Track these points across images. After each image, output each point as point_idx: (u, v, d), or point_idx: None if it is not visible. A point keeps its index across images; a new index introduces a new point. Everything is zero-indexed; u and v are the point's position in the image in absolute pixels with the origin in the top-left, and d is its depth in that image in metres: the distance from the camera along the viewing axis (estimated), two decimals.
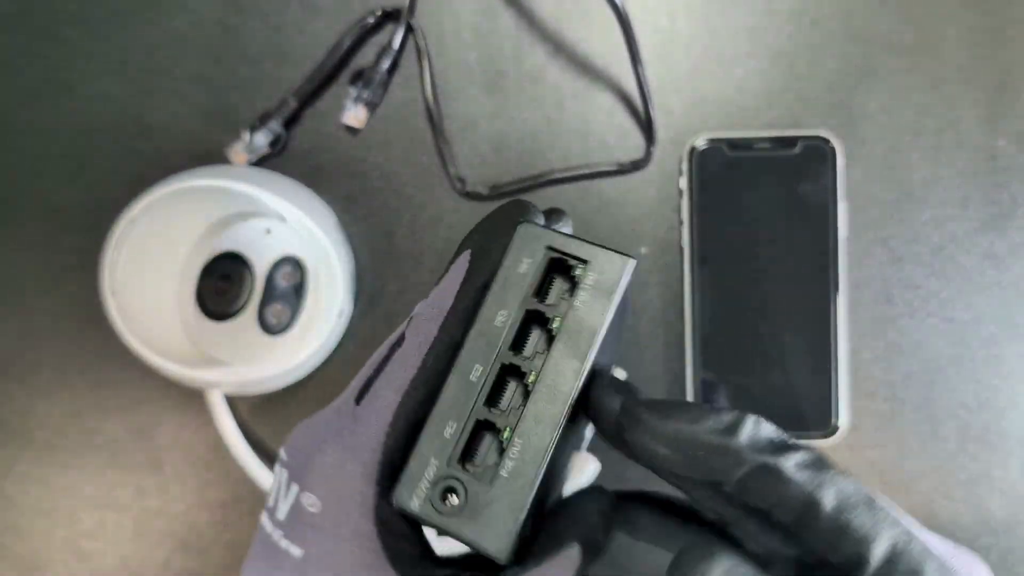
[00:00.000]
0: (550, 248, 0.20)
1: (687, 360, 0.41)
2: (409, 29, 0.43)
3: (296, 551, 0.20)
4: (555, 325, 0.20)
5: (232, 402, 0.43)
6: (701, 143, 0.41)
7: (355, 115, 0.42)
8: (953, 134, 0.42)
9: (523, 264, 0.20)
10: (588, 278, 0.20)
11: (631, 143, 0.43)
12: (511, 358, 0.20)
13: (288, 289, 0.42)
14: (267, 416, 0.43)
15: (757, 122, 0.42)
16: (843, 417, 0.41)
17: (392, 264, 0.43)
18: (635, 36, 0.40)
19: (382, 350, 0.22)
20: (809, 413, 0.41)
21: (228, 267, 0.42)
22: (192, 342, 0.41)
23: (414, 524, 0.21)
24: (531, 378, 0.20)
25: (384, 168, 0.43)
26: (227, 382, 0.40)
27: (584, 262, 0.20)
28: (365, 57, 0.43)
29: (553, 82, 0.43)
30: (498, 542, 0.19)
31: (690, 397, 0.41)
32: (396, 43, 0.42)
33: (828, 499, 0.18)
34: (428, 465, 0.19)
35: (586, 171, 0.43)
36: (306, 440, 0.22)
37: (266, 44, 0.43)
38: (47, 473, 0.44)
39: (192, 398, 0.43)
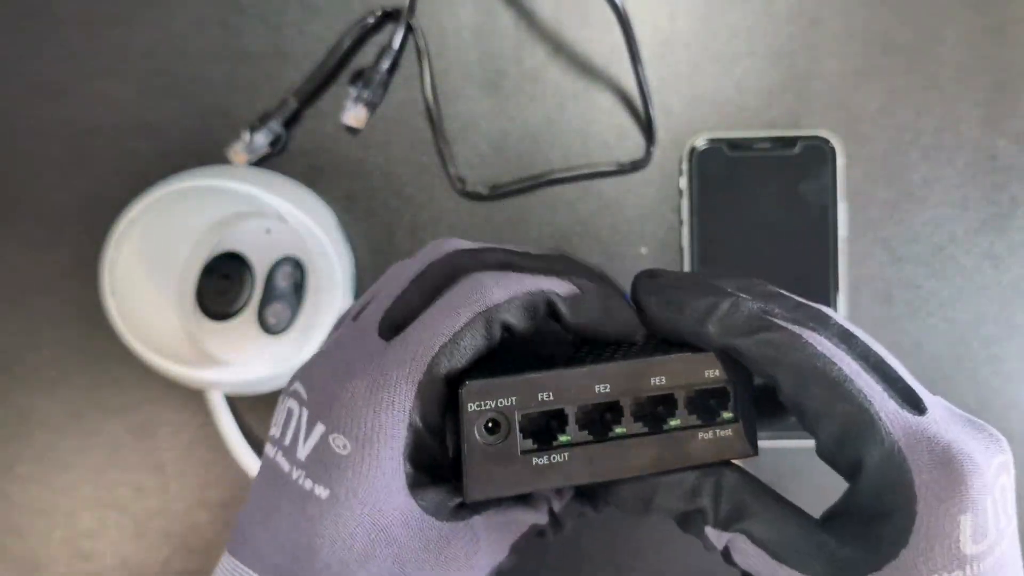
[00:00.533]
0: (733, 385, 0.21)
1: None
2: (409, 29, 0.43)
3: (322, 492, 0.20)
4: (670, 423, 0.21)
5: (232, 402, 0.43)
6: (701, 143, 0.41)
7: (355, 115, 0.42)
8: (953, 134, 0.42)
9: (710, 372, 0.21)
10: (723, 432, 0.21)
11: (631, 143, 0.43)
12: (630, 406, 0.21)
13: (288, 289, 0.42)
14: (267, 416, 0.43)
15: (757, 122, 0.42)
16: None
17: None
18: (635, 36, 0.40)
19: (401, 282, 0.23)
20: None
21: (228, 267, 0.42)
22: (192, 342, 0.41)
23: (443, 468, 0.22)
24: (618, 430, 0.21)
25: (384, 168, 0.43)
26: (227, 382, 0.40)
27: (734, 422, 0.21)
28: (365, 57, 0.43)
29: (553, 82, 0.43)
30: (478, 491, 0.20)
31: None
32: (396, 43, 0.42)
33: (785, 380, 0.20)
34: (508, 397, 0.20)
35: (586, 171, 0.43)
36: (327, 374, 0.22)
37: (266, 44, 0.43)
38: (47, 473, 0.44)
39: (192, 398, 0.43)
